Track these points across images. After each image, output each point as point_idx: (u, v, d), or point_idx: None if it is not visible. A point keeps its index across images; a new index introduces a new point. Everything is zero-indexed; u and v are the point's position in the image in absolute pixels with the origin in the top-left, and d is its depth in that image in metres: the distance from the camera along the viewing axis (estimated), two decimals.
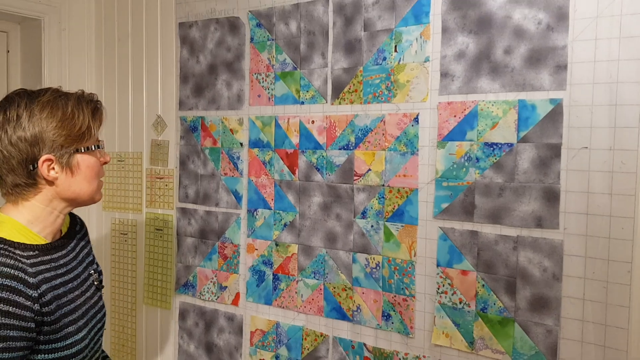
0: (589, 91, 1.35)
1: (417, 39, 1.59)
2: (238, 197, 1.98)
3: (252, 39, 1.92)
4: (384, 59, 1.64)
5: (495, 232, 1.48)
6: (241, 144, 1.96)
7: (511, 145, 1.45)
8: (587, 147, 1.35)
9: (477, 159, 1.49)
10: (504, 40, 1.45)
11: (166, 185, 2.19)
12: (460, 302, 1.54)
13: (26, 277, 1.13)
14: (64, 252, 1.30)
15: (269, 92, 1.89)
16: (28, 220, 1.23)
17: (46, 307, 1.16)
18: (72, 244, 1.35)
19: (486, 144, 1.48)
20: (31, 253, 1.20)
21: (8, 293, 1.09)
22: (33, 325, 1.13)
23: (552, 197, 1.40)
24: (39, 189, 1.22)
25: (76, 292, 1.29)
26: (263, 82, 1.90)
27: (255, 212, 1.94)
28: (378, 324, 1.69)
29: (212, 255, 2.05)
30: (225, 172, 2.01)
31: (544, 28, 1.40)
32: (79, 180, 1.24)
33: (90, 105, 1.27)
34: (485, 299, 1.50)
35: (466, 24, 1.51)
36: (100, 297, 1.41)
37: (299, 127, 1.82)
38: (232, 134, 1.98)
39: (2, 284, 1.09)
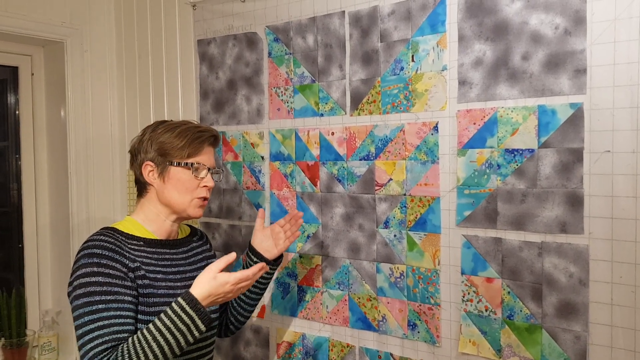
0: (609, 94, 1.34)
1: (433, 48, 1.59)
2: None
3: (270, 54, 1.94)
4: (402, 69, 1.65)
5: (519, 239, 1.47)
6: (262, 158, 1.98)
7: (532, 151, 1.44)
8: (609, 151, 1.34)
9: (499, 166, 1.49)
10: (521, 46, 1.45)
11: None
12: (486, 310, 1.53)
13: (122, 251, 1.36)
14: (172, 250, 1.50)
15: (288, 106, 1.90)
16: (143, 220, 1.48)
17: (140, 280, 1.37)
18: (185, 248, 1.56)
19: (507, 150, 1.48)
20: (135, 242, 1.42)
21: (107, 260, 1.33)
22: (132, 284, 1.34)
23: (575, 202, 1.39)
24: (147, 190, 1.49)
25: (178, 284, 1.46)
26: (282, 95, 1.92)
27: None
28: (404, 334, 1.68)
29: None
30: (247, 186, 2.03)
31: (562, 32, 1.39)
32: (169, 188, 1.45)
33: (197, 134, 1.46)
34: (511, 306, 1.49)
35: (482, 32, 1.51)
36: None
37: (319, 139, 1.83)
38: (253, 147, 2.00)
39: (102, 254, 1.33)
